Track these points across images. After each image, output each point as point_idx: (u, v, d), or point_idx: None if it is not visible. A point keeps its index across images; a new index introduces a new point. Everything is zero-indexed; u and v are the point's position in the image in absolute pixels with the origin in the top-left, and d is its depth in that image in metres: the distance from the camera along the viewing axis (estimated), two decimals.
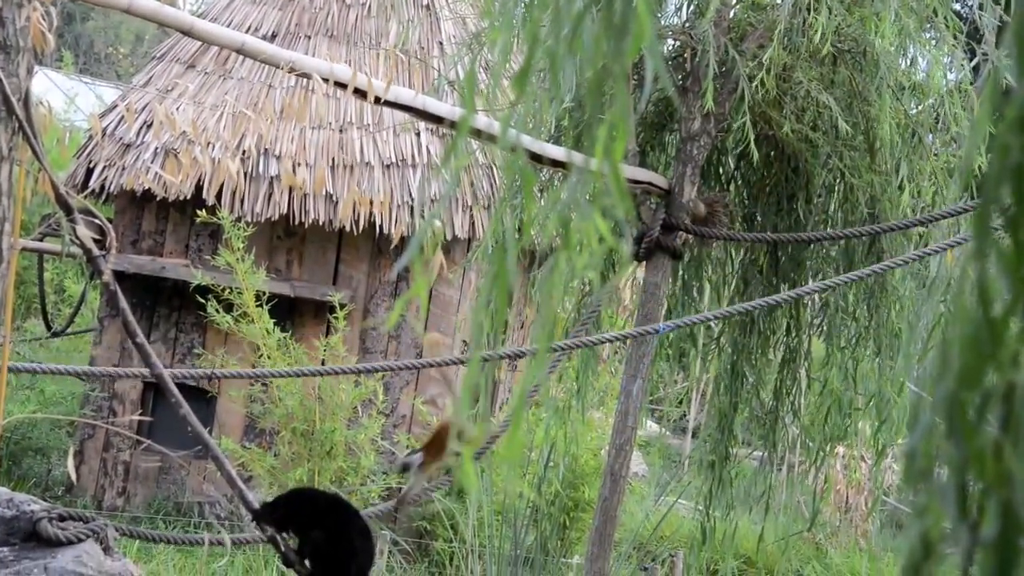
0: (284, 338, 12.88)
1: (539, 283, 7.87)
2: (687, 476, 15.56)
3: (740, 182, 8.56)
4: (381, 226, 13.63)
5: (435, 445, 5.67)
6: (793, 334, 8.45)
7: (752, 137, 7.31)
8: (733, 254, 8.68)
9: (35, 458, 14.17)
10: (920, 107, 8.15)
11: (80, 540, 6.67)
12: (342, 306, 13.18)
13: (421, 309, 13.69)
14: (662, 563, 13.27)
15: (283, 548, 4.85)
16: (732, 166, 8.57)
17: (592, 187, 1.81)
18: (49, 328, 16.37)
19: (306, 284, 14.07)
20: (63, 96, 21.13)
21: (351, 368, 6.47)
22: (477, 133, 6.28)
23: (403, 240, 13.60)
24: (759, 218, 8.41)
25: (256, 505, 5.02)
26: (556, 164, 6.78)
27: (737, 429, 8.37)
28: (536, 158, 6.59)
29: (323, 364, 13.18)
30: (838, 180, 8.05)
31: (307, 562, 4.83)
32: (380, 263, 14.18)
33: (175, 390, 5.75)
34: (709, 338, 8.82)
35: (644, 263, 7.85)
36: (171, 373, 6.21)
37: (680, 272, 8.46)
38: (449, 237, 13.56)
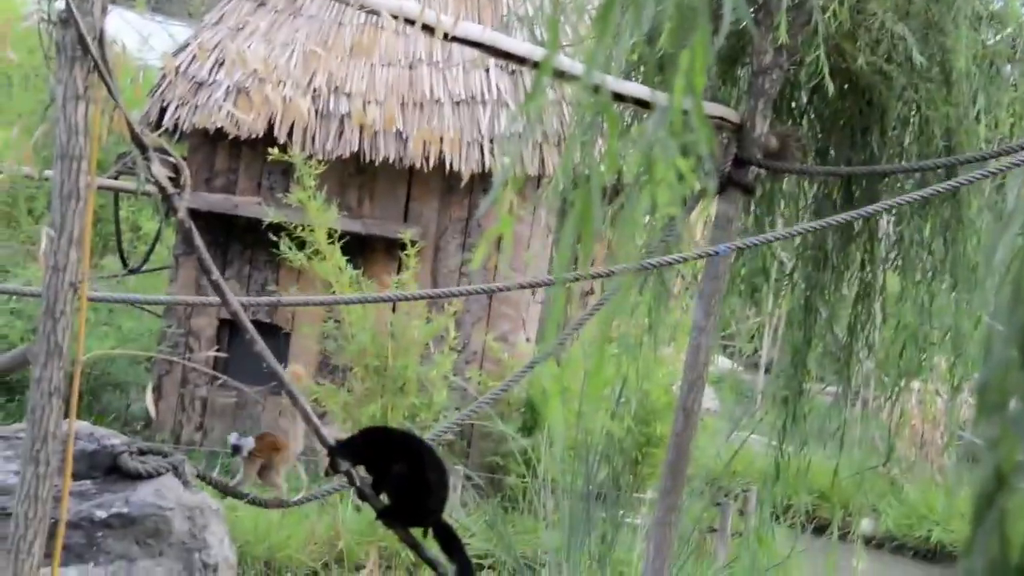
0: (356, 275, 12.95)
1: (613, 219, 7.85)
2: (760, 412, 15.53)
3: (813, 116, 8.47)
4: (451, 163, 13.63)
5: (270, 444, 5.69)
6: (867, 268, 8.38)
7: (826, 70, 7.22)
8: (806, 189, 8.60)
9: (114, 393, 14.37)
10: (998, 37, 8.02)
11: (159, 474, 6.78)
12: (413, 243, 13.22)
13: (504, 245, 13.69)
14: (735, 498, 13.29)
15: (358, 483, 4.90)
16: (805, 100, 8.47)
17: (673, 123, 1.80)
18: (125, 266, 16.55)
19: (377, 221, 14.12)
20: (136, 35, 21.24)
21: (414, 295, 6.49)
22: (555, 72, 6.26)
23: (473, 178, 13.60)
24: (832, 152, 8.32)
25: (331, 441, 5.08)
26: (638, 103, 6.74)
27: (811, 364, 8.33)
28: (617, 97, 6.55)
29: (393, 303, 13.24)
30: (913, 113, 7.94)
31: (383, 496, 4.88)
32: (450, 200, 14.19)
33: (250, 326, 5.81)
34: (781, 273, 8.76)
35: (715, 198, 7.81)
36: (241, 301, 6.28)
37: (752, 207, 8.40)
38: (519, 174, 13.54)
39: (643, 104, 6.69)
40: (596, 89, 1.89)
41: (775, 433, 8.43)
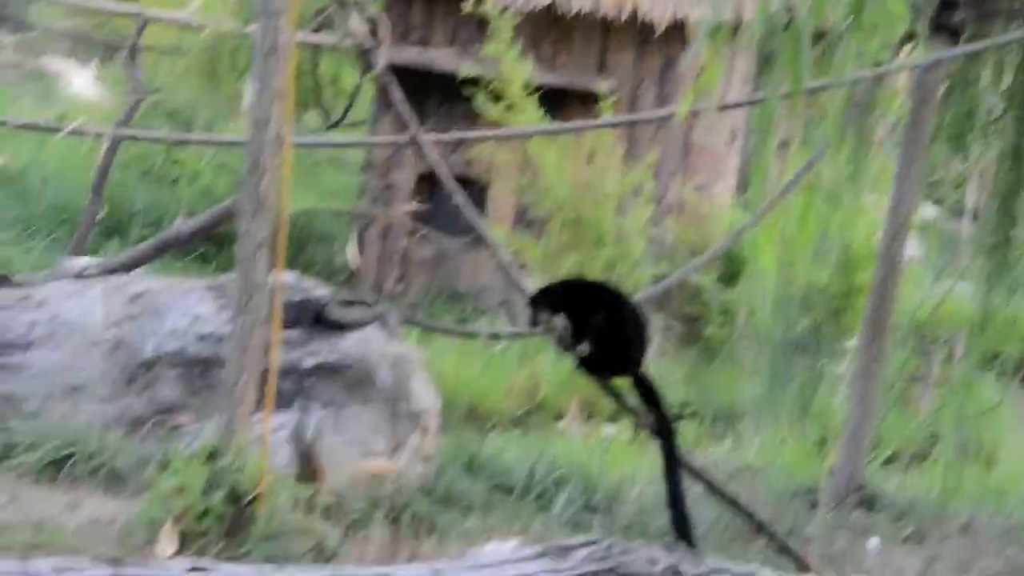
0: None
1: (817, 66, 7.66)
2: (966, 259, 15.17)
3: None
4: (646, 14, 13.44)
5: None
6: None
7: None
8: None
9: (318, 246, 14.67)
10: None
11: (364, 324, 6.93)
12: (608, 95, 13.12)
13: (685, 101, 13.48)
14: (941, 347, 13.05)
15: (560, 332, 4.92)
16: None
17: None
18: (326, 120, 16.80)
19: (572, 74, 14.03)
20: None
21: (611, 121, 6.42)
22: None
23: (668, 28, 13.39)
24: None
25: (530, 291, 5.10)
26: None
27: (1018, 211, 8.09)
28: None
29: (590, 153, 13.20)
30: None
31: (584, 346, 4.90)
32: (645, 52, 14.02)
33: (450, 177, 5.87)
34: (989, 119, 8.48)
35: (921, 44, 7.58)
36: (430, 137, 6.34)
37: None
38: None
39: None
40: None
41: (982, 281, 8.23)
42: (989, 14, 7.71)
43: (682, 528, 4.52)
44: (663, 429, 4.73)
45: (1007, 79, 8.14)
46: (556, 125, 12.75)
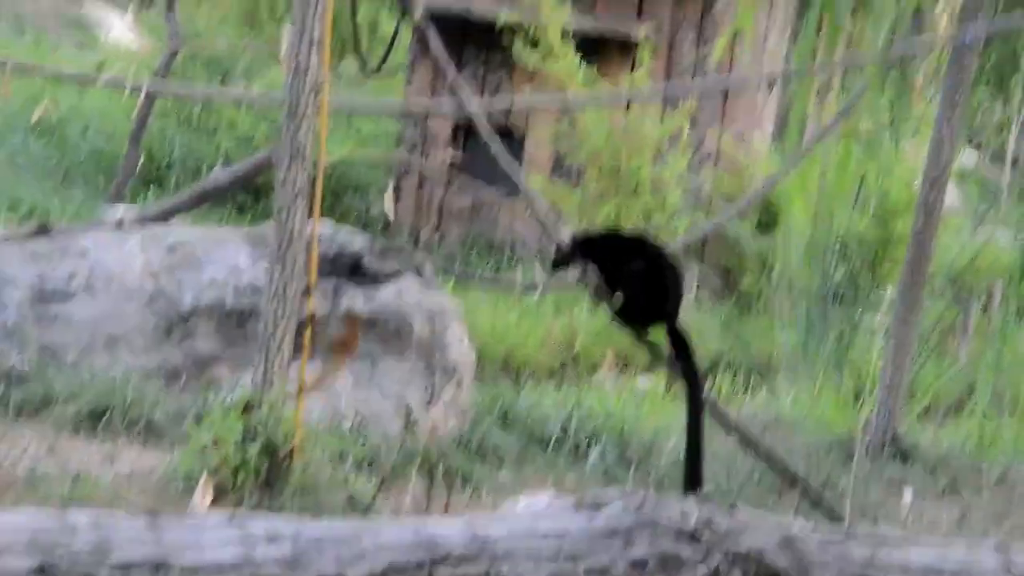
0: (589, 73, 12.87)
1: (855, 10, 7.60)
2: (1007, 207, 15.07)
3: None
4: None
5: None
6: None
7: None
8: None
9: (354, 195, 14.68)
10: None
11: (400, 274, 6.94)
12: (647, 40, 13.04)
13: (745, 40, 13.40)
14: (979, 297, 12.97)
15: (596, 280, 4.90)
16: None
17: None
18: (364, 67, 16.76)
19: (610, 19, 13.94)
20: None
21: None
22: None
23: None
24: None
25: (566, 239, 5.08)
26: None
27: None
28: None
29: (628, 101, 13.14)
30: None
31: (618, 296, 4.87)
32: None
33: (487, 127, 5.86)
34: None
35: None
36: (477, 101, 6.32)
37: None
38: None
39: None
40: None
41: (1022, 229, 8.17)
42: None
43: (693, 485, 4.54)
44: (691, 385, 4.72)
45: None
46: (602, 93, 12.71)
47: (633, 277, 4.81)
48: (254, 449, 5.12)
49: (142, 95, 10.79)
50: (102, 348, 6.51)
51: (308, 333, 5.46)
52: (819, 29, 7.57)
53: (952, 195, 15.64)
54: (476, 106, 6.18)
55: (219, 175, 8.79)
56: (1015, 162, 18.36)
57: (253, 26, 18.87)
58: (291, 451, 5.19)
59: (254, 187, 12.64)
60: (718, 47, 12.26)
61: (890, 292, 10.94)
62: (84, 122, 14.09)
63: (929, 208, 7.68)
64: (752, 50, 13.69)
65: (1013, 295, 9.70)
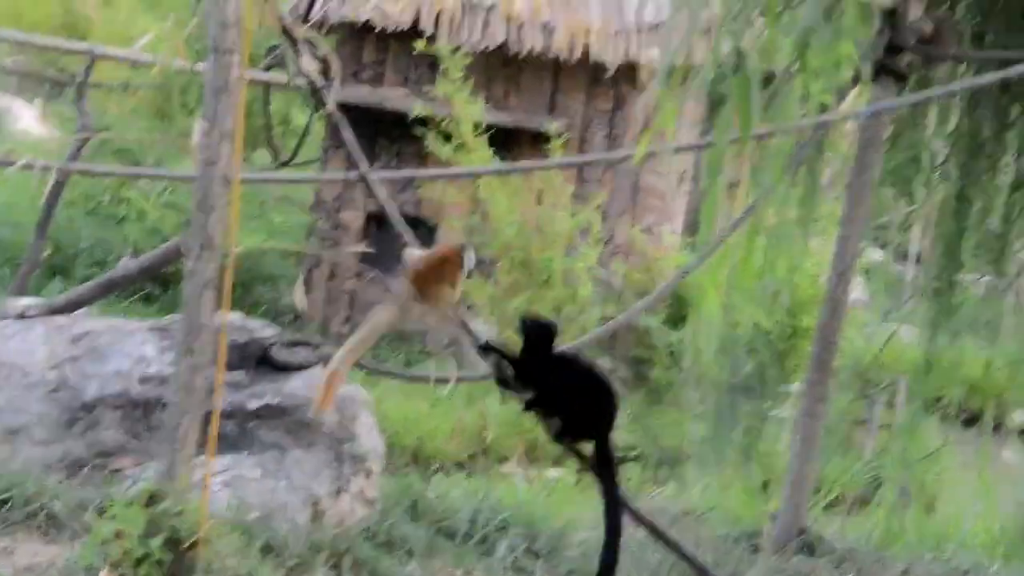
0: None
1: (765, 109, 7.70)
2: (910, 303, 15.30)
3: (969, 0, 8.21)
4: (597, 55, 13.51)
5: (440, 258, 5.43)
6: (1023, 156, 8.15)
7: None
8: (961, 76, 8.36)
9: (264, 286, 14.62)
10: None
11: (310, 365, 6.90)
12: (559, 135, 13.18)
13: (640, 144, 13.58)
14: (883, 390, 13.13)
15: (556, 426, 4.97)
16: None
17: (827, 8, 1.77)
18: (276, 159, 16.75)
19: (523, 114, 14.07)
20: None
21: (562, 160, 6.44)
22: None
23: (619, 69, 13.46)
24: (989, 37, 8.06)
25: (482, 339, 5.12)
26: None
27: (964, 255, 8.16)
28: None
29: (540, 194, 13.25)
30: None
31: (557, 421, 4.95)
32: (596, 92, 14.08)
33: (399, 218, 5.86)
34: (934, 163, 8.56)
35: (868, 87, 7.63)
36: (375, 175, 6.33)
37: (905, 95, 8.19)
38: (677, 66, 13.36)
39: None
40: None
41: (926, 325, 8.29)
42: (935, 58, 7.78)
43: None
44: (609, 503, 4.85)
45: (952, 123, 8.22)
46: (507, 165, 12.82)
47: (572, 400, 4.90)
48: (157, 542, 5.03)
49: (49, 185, 10.70)
50: (2, 439, 6.39)
51: (214, 425, 5.40)
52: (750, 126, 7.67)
53: (858, 290, 15.86)
54: (386, 197, 6.19)
55: (127, 265, 8.71)
56: (918, 259, 18.67)
57: (164, 118, 18.83)
58: (195, 543, 5.11)
59: (162, 277, 12.56)
60: (639, 148, 12.40)
61: (797, 385, 11.06)
62: None
63: (836, 302, 7.77)
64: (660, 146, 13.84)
65: (918, 390, 9.82)
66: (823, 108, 7.85)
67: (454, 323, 5.28)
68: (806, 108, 8.00)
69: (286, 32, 5.29)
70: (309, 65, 5.53)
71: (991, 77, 7.03)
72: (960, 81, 7.96)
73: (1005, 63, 7.82)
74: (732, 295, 11.95)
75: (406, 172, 13.06)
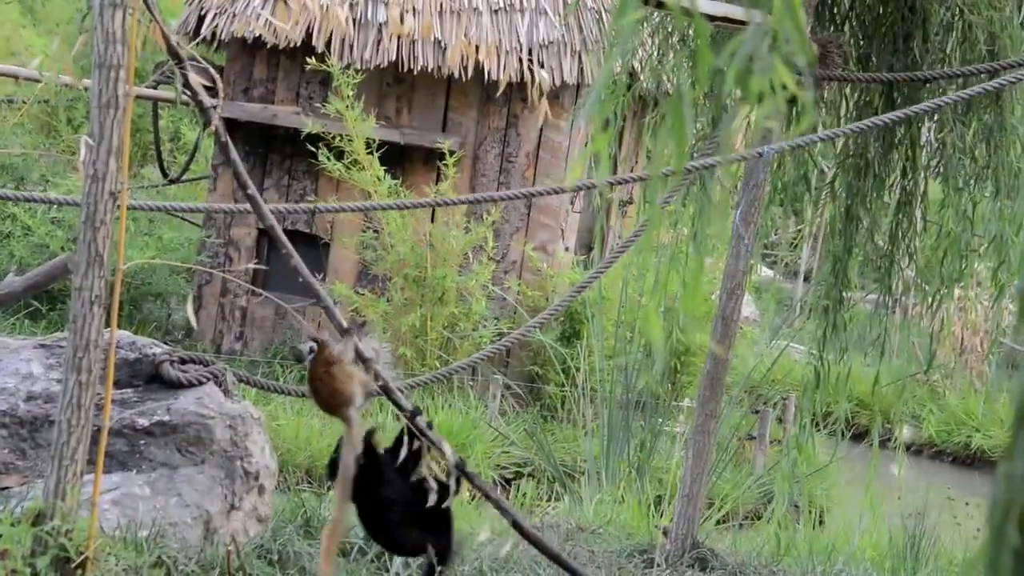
0: (395, 185, 12.97)
1: (654, 131, 7.78)
2: (800, 320, 15.52)
3: (855, 22, 8.36)
4: (489, 72, 13.55)
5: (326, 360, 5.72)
6: (909, 176, 8.31)
7: None
8: (847, 96, 8.51)
9: (155, 303, 14.45)
10: None
11: (201, 383, 6.83)
12: (451, 153, 13.20)
13: (573, 171, 13.66)
14: (774, 406, 13.30)
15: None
16: (847, 5, 8.36)
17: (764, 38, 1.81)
18: (165, 176, 16.59)
19: (416, 131, 14.07)
20: None
21: (452, 200, 6.47)
22: None
23: (511, 87, 13.51)
24: (874, 59, 8.22)
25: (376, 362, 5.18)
26: (725, 20, 6.68)
27: (851, 273, 8.29)
28: (708, 17, 6.49)
29: (433, 211, 13.27)
30: (956, 18, 7.83)
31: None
32: (489, 110, 14.12)
33: (285, 240, 5.82)
34: (822, 182, 8.70)
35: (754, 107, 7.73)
36: (276, 208, 6.29)
37: (793, 115, 8.32)
38: (558, 83, 13.46)
39: (729, 21, 6.66)
40: (688, 13, 1.89)
41: (815, 342, 8.41)
42: (822, 79, 7.89)
43: None
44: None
45: (839, 144, 8.36)
46: (410, 201, 12.83)
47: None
48: (44, 561, 4.95)
49: None
50: None
51: (102, 442, 5.32)
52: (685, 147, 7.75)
53: (749, 308, 16.07)
54: (273, 218, 6.15)
55: (13, 281, 8.56)
56: (807, 277, 18.93)
57: (50, 133, 18.57)
58: (84, 562, 5.03)
59: (49, 294, 12.36)
60: (572, 174, 12.54)
61: (689, 401, 11.16)
62: None
63: (727, 319, 7.86)
64: (554, 163, 13.93)
65: (806, 406, 9.96)
66: (713, 128, 7.98)
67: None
68: (695, 129, 8.12)
69: (171, 49, 5.24)
70: (195, 83, 5.48)
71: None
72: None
73: (890, 85, 7.99)
74: (626, 312, 12.08)
75: (317, 203, 12.97)
